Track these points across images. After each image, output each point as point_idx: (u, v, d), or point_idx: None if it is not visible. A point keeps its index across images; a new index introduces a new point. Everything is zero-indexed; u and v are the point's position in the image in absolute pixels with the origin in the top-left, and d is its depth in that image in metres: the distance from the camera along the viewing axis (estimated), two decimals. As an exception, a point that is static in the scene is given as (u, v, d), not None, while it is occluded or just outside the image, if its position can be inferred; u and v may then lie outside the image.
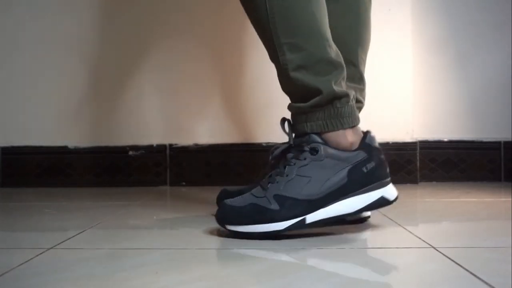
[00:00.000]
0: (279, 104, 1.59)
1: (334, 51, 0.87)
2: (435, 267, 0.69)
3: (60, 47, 1.64)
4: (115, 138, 1.64)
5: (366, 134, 0.88)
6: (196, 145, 1.62)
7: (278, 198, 0.83)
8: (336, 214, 0.84)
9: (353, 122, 0.88)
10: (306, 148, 0.85)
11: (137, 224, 1.01)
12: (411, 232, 0.89)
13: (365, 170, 0.86)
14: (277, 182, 0.85)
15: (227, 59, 1.62)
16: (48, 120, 1.65)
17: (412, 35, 1.62)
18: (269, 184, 0.85)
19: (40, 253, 0.76)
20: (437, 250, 0.75)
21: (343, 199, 0.85)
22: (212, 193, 1.17)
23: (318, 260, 0.75)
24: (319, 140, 0.86)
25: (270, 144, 1.59)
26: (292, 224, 0.83)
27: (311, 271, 0.67)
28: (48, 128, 1.65)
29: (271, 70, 1.57)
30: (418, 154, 1.62)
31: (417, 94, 1.65)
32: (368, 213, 0.97)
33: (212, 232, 0.90)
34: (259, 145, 1.60)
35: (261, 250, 0.79)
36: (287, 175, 0.85)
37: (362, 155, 0.86)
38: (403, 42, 1.61)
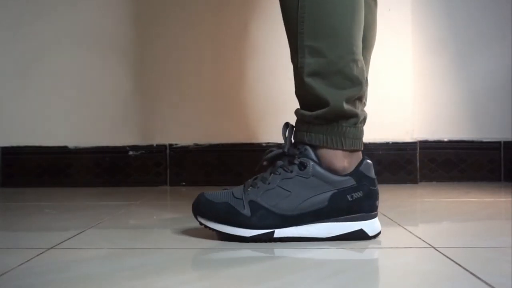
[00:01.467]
0: (279, 104, 1.60)
1: (358, 67, 0.83)
2: (435, 267, 0.69)
3: (59, 46, 1.64)
4: (115, 138, 1.64)
5: (362, 161, 0.84)
6: (196, 145, 1.62)
7: (253, 204, 0.82)
8: (308, 235, 0.82)
9: (355, 146, 0.84)
10: (296, 161, 0.83)
11: (137, 224, 1.01)
12: (411, 232, 0.89)
13: (349, 199, 0.82)
14: (258, 188, 0.83)
15: (228, 60, 1.62)
16: (48, 120, 1.65)
17: (412, 35, 1.62)
18: (250, 188, 0.84)
19: (40, 253, 0.76)
20: (437, 250, 0.75)
21: (318, 222, 0.82)
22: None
23: (318, 260, 0.75)
24: (312, 156, 0.83)
25: (270, 144, 1.59)
26: (259, 234, 0.82)
27: (311, 271, 0.67)
28: (48, 128, 1.65)
29: (272, 70, 1.59)
30: (418, 154, 1.62)
31: (417, 94, 1.65)
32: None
33: (212, 233, 0.90)
34: (259, 145, 1.60)
35: (261, 250, 0.79)
36: (269, 183, 0.83)
37: (350, 182, 0.83)
38: (403, 42, 1.61)
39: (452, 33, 1.67)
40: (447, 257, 0.71)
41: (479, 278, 0.62)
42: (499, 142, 1.65)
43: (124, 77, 1.64)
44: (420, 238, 0.84)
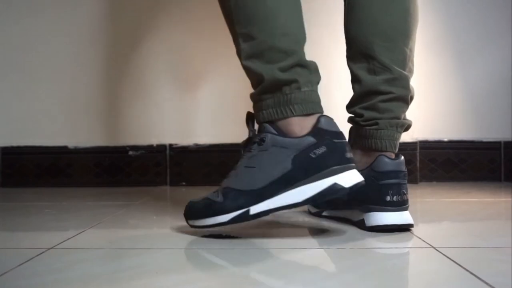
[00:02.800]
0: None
1: (290, 38, 0.85)
2: (435, 267, 0.69)
3: (60, 47, 1.64)
4: (115, 138, 1.64)
5: (320, 118, 0.83)
6: (196, 145, 1.62)
7: (225, 190, 0.84)
8: (283, 204, 0.81)
9: (307, 110, 0.83)
10: (256, 139, 0.84)
11: (137, 224, 1.01)
12: (411, 232, 0.89)
13: (313, 156, 0.80)
14: (229, 176, 0.85)
15: (227, 60, 1.62)
16: (48, 120, 1.65)
17: (412, 35, 1.62)
18: (224, 179, 0.86)
19: (40, 253, 0.76)
20: (437, 250, 0.75)
21: (290, 189, 0.80)
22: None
23: (318, 260, 0.75)
24: (271, 129, 0.83)
25: (270, 144, 1.59)
26: (236, 216, 0.82)
27: (311, 271, 0.67)
28: (48, 128, 1.65)
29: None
30: (418, 154, 1.62)
31: (417, 94, 1.64)
32: (409, 221, 0.89)
33: (212, 232, 0.90)
34: (259, 145, 1.60)
35: (261, 250, 0.79)
36: (235, 169, 0.85)
37: (308, 140, 0.81)
38: (403, 42, 1.61)
39: (452, 33, 1.67)
40: (447, 257, 0.71)
41: (479, 278, 0.62)
42: (499, 142, 1.65)
43: (124, 77, 1.65)
44: (420, 238, 0.84)
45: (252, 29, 0.85)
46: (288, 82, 0.84)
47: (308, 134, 0.82)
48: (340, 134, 0.83)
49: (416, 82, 1.64)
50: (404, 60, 0.94)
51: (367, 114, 0.93)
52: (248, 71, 0.87)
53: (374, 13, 0.94)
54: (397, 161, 0.89)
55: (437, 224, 1.01)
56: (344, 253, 0.78)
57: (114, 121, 1.64)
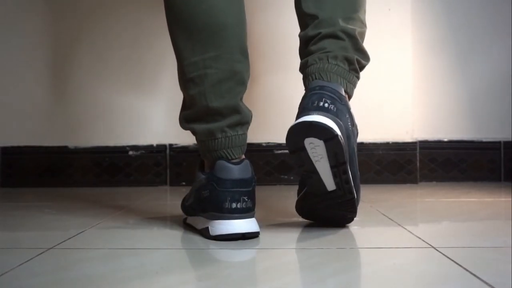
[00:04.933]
0: (279, 105, 1.60)
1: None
2: (435, 267, 0.69)
3: (55, 48, 1.64)
4: (115, 138, 1.64)
5: (217, 162, 0.84)
6: (196, 145, 1.62)
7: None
8: (196, 227, 0.90)
9: (209, 159, 0.87)
10: None
11: (137, 224, 1.01)
12: (411, 232, 0.89)
13: (204, 195, 0.85)
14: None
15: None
16: (48, 120, 1.65)
17: (412, 35, 1.62)
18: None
19: (40, 253, 0.76)
20: (437, 250, 0.75)
21: (198, 215, 0.88)
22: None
23: (318, 260, 0.75)
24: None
25: (270, 144, 1.59)
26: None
27: (311, 271, 0.67)
28: (48, 128, 1.65)
29: (270, 71, 1.59)
30: (418, 154, 1.62)
31: (417, 94, 1.65)
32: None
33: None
34: (259, 145, 1.60)
35: (261, 250, 0.79)
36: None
37: (202, 180, 0.87)
38: (403, 42, 1.61)
39: (452, 33, 1.67)
40: (447, 257, 0.71)
41: (479, 278, 0.62)
42: (499, 142, 1.65)
43: (124, 77, 1.65)
44: (420, 238, 0.84)
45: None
46: (193, 132, 0.91)
47: (206, 174, 0.87)
48: (224, 182, 0.82)
49: (416, 82, 1.66)
50: (334, 5, 0.92)
51: (303, 61, 0.93)
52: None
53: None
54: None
55: (437, 224, 1.01)
56: (344, 253, 0.78)
57: (114, 121, 1.64)
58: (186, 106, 0.90)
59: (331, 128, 0.80)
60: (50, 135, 1.64)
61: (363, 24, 0.95)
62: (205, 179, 0.85)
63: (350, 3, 0.93)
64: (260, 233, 0.85)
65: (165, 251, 0.78)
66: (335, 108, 0.83)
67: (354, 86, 0.92)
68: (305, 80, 0.91)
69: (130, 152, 1.63)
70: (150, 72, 1.64)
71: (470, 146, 1.65)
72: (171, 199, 1.41)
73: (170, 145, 1.63)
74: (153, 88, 1.64)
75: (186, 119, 0.90)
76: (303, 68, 0.92)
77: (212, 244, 0.83)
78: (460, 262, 0.68)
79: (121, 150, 1.63)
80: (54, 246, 0.81)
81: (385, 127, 1.61)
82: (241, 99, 0.88)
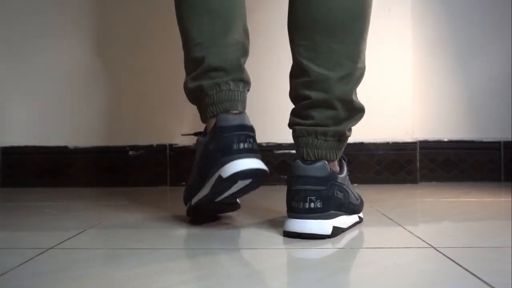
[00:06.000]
0: (279, 104, 1.60)
1: (201, 47, 0.91)
2: (435, 267, 0.69)
3: (61, 47, 1.64)
4: (115, 138, 1.64)
5: (218, 116, 0.87)
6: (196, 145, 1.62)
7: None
8: (204, 195, 0.88)
9: (214, 111, 0.90)
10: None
11: (137, 224, 1.01)
12: (411, 232, 0.89)
13: (208, 152, 0.87)
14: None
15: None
16: (48, 120, 1.65)
17: (412, 35, 1.62)
18: None
19: (40, 253, 0.76)
20: (437, 250, 0.75)
21: (205, 182, 0.88)
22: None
23: (318, 260, 0.75)
24: (202, 131, 0.94)
25: (270, 144, 1.59)
26: (190, 206, 0.94)
27: (311, 271, 0.67)
28: (48, 128, 1.65)
29: (270, 71, 1.58)
30: (418, 154, 1.62)
31: (417, 94, 1.65)
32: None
33: (212, 232, 0.90)
34: (259, 145, 1.60)
35: (261, 250, 0.79)
36: None
37: (206, 138, 0.89)
38: (403, 42, 1.61)
39: (452, 33, 1.67)
40: (447, 257, 0.71)
41: (479, 278, 0.62)
42: (499, 142, 1.65)
43: (124, 77, 1.65)
44: (420, 238, 0.84)
45: (182, 45, 0.96)
46: (198, 90, 0.92)
47: (209, 132, 0.88)
48: (231, 128, 0.85)
49: (416, 82, 1.66)
50: (329, 59, 0.86)
51: (291, 119, 0.92)
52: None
53: (297, 7, 0.89)
54: (311, 166, 0.83)
55: (437, 224, 1.01)
56: (344, 253, 0.78)
57: (114, 121, 1.64)
58: (191, 70, 0.95)
59: (324, 235, 0.83)
60: (50, 135, 1.64)
61: (362, 71, 0.90)
62: (209, 136, 0.88)
63: (349, 53, 0.87)
64: (260, 233, 0.85)
65: (165, 251, 0.78)
66: (320, 204, 0.83)
67: (344, 146, 0.92)
68: (295, 142, 0.91)
69: (130, 152, 1.63)
70: (150, 72, 1.64)
71: (470, 146, 1.65)
72: (171, 199, 1.41)
73: (170, 145, 1.63)
74: (153, 88, 1.64)
75: (193, 78, 0.93)
76: (292, 131, 0.91)
77: (212, 244, 0.83)
78: (460, 262, 0.68)
79: (121, 150, 1.63)
80: (54, 246, 0.81)
81: (385, 127, 1.61)
82: (243, 63, 0.94)
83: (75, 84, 1.64)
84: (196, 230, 0.92)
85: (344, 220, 0.88)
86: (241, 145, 0.84)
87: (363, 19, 0.88)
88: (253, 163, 0.84)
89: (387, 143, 1.61)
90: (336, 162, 0.91)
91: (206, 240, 0.86)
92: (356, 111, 0.91)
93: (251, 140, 0.85)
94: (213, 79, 0.90)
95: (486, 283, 0.60)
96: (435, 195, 1.39)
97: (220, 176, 0.83)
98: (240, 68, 0.92)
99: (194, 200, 0.92)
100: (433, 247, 0.77)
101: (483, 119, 1.67)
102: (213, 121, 0.89)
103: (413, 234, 0.88)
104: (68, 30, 1.64)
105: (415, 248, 0.79)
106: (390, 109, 1.61)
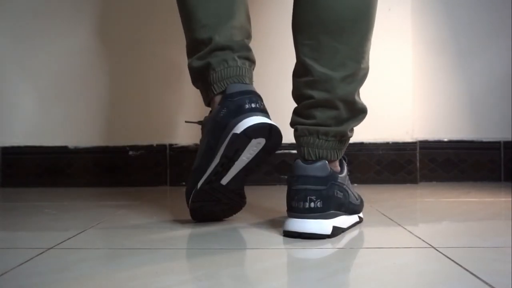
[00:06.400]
0: (279, 104, 1.60)
1: (208, 28, 0.91)
2: (435, 267, 0.69)
3: (61, 47, 1.64)
4: (115, 138, 1.64)
5: (227, 86, 0.89)
6: (196, 145, 1.62)
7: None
8: (214, 167, 0.87)
9: (222, 87, 0.89)
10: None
11: (137, 224, 1.01)
12: (411, 232, 0.89)
13: (218, 120, 0.87)
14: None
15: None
16: (48, 120, 1.65)
17: (412, 35, 1.62)
18: None
19: (40, 253, 0.76)
20: (437, 250, 0.75)
21: (213, 157, 0.87)
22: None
23: (318, 260, 0.75)
24: (207, 113, 0.94)
25: (270, 144, 1.59)
26: (192, 192, 0.90)
27: (311, 271, 0.67)
28: (48, 128, 1.65)
29: (270, 69, 1.58)
30: (418, 154, 1.62)
31: (417, 94, 1.65)
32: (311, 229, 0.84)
33: (212, 232, 0.90)
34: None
35: (260, 250, 0.79)
36: None
37: (215, 110, 0.89)
38: (403, 42, 1.61)
39: (452, 33, 1.67)
40: (447, 257, 0.71)
41: (479, 278, 0.62)
42: (499, 142, 1.65)
43: (124, 77, 1.65)
44: (420, 238, 0.84)
45: (184, 29, 0.96)
46: (205, 68, 0.91)
47: (218, 104, 0.88)
48: (242, 92, 0.87)
49: (416, 82, 1.66)
50: (332, 59, 0.86)
51: (293, 118, 0.92)
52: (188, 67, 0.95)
53: (302, 7, 0.89)
54: (311, 165, 0.83)
55: (437, 224, 1.01)
56: (344, 253, 0.78)
57: (114, 121, 1.64)
58: (195, 51, 0.94)
59: (324, 235, 0.83)
60: (50, 135, 1.64)
61: (365, 71, 0.90)
62: (217, 108, 0.88)
63: (353, 54, 0.87)
64: (260, 233, 0.85)
65: (165, 251, 0.78)
66: (320, 204, 0.83)
67: (345, 147, 0.91)
68: (296, 141, 0.90)
69: (130, 152, 1.63)
70: (150, 72, 1.64)
71: (470, 146, 1.65)
72: (171, 199, 1.41)
73: (170, 145, 1.63)
74: (153, 88, 1.64)
75: (198, 58, 0.93)
76: (294, 130, 0.91)
77: (212, 244, 0.83)
78: (460, 262, 0.68)
79: (121, 150, 1.63)
80: (54, 246, 0.81)
81: (385, 127, 1.61)
82: (248, 44, 0.95)
83: (75, 84, 1.64)
84: (196, 230, 0.92)
85: (344, 220, 0.88)
86: (253, 105, 0.85)
87: (368, 19, 0.88)
88: (266, 120, 0.85)
89: (387, 143, 1.61)
90: (337, 162, 0.91)
91: (206, 240, 0.86)
92: (358, 112, 0.91)
93: (262, 103, 0.87)
94: (220, 57, 0.91)
95: (486, 283, 0.60)
96: (435, 195, 1.39)
97: (233, 134, 0.83)
98: (247, 47, 0.94)
99: (201, 182, 0.89)
100: (433, 247, 0.77)
101: (483, 119, 1.67)
102: (218, 98, 0.90)
103: (413, 234, 0.88)
104: (68, 30, 1.64)
105: (415, 248, 0.79)
106: (390, 109, 1.61)
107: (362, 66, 0.89)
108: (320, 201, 0.82)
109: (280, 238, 0.85)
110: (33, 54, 1.65)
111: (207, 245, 0.82)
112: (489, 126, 1.66)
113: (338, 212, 0.86)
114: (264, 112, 0.86)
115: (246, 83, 0.90)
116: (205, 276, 0.66)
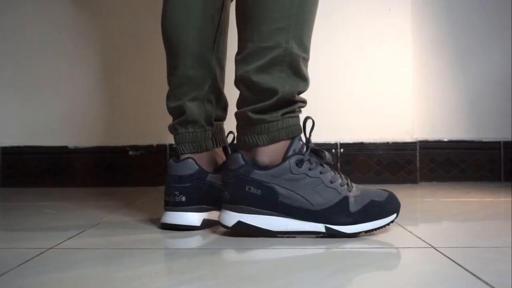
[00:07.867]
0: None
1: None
2: (435, 267, 0.69)
3: (61, 48, 1.64)
4: (115, 138, 1.64)
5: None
6: (196, 145, 1.62)
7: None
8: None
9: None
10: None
11: (137, 224, 1.01)
12: (411, 232, 0.89)
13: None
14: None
15: (229, 60, 1.62)
16: (48, 120, 1.65)
17: (412, 35, 1.62)
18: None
19: (40, 253, 0.76)
20: (437, 250, 0.75)
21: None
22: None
23: (318, 261, 0.75)
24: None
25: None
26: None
27: (311, 271, 0.67)
28: (48, 128, 1.65)
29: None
30: (418, 154, 1.62)
31: (417, 94, 1.65)
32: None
33: (212, 232, 0.90)
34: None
35: (261, 250, 0.79)
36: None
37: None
38: (403, 42, 1.61)
39: (452, 33, 1.67)
40: (447, 257, 0.71)
41: (479, 278, 0.62)
42: (499, 142, 1.65)
43: (124, 77, 1.65)
44: (420, 238, 0.84)
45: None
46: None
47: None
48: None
49: (416, 82, 1.66)
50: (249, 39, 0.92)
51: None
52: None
53: None
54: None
55: (437, 224, 1.01)
56: (344, 253, 0.78)
57: (114, 121, 1.64)
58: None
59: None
60: (50, 135, 1.64)
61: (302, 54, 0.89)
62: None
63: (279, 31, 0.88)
64: (260, 233, 0.84)
65: (165, 251, 0.78)
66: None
67: (268, 130, 0.87)
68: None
69: (130, 152, 1.63)
70: (151, 72, 1.64)
71: (470, 146, 1.65)
72: (171, 199, 1.40)
73: (170, 145, 1.63)
74: (153, 88, 1.64)
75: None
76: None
77: (213, 244, 0.83)
78: (460, 262, 0.68)
79: (121, 150, 1.63)
80: (54, 246, 0.81)
81: (385, 127, 1.61)
82: (194, 99, 0.99)
83: (75, 84, 1.64)
84: (196, 230, 0.92)
85: (260, 219, 0.84)
86: (167, 198, 0.93)
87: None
88: (172, 217, 0.93)
89: (387, 143, 1.61)
90: (266, 152, 0.86)
91: (206, 240, 0.86)
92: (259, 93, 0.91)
93: (176, 193, 0.92)
94: (172, 122, 1.03)
95: (486, 283, 0.60)
96: (435, 195, 1.39)
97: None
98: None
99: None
100: (433, 247, 0.77)
101: (483, 119, 1.67)
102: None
103: (413, 234, 0.88)
104: (67, 31, 1.64)
105: (415, 248, 0.79)
106: (390, 109, 1.61)
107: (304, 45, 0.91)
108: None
109: (280, 238, 0.85)
110: (33, 55, 1.64)
111: (207, 245, 0.82)
112: (489, 126, 1.66)
113: (244, 207, 0.84)
114: (176, 204, 0.93)
115: (186, 154, 0.97)
116: (205, 276, 0.66)
